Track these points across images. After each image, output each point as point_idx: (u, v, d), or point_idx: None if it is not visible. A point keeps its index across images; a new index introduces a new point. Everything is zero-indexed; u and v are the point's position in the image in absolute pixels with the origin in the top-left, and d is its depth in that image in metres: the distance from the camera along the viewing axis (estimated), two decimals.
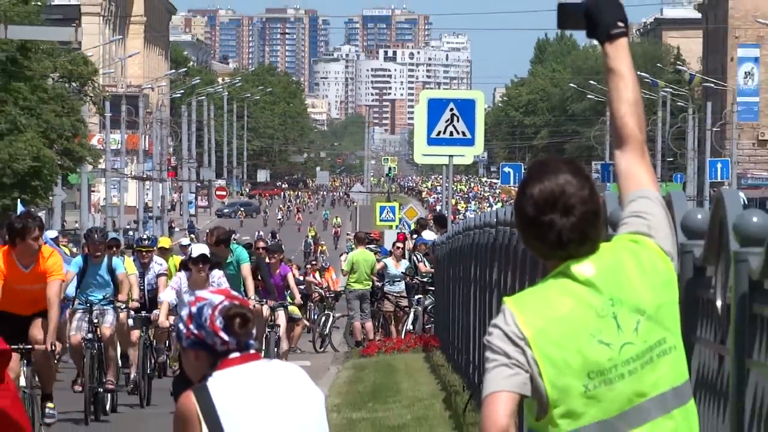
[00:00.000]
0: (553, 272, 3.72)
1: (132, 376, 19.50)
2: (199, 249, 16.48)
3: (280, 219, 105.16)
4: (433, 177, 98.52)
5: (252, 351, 4.46)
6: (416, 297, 27.11)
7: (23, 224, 13.47)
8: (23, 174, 47.79)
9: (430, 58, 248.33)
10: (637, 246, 3.72)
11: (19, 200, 37.99)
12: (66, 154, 55.88)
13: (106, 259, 17.27)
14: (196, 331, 4.27)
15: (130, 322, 18.81)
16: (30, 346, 13.13)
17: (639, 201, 3.80)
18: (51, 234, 24.20)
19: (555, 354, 3.63)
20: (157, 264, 20.28)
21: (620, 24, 3.81)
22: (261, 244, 24.31)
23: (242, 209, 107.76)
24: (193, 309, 4.24)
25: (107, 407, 16.83)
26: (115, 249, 18.83)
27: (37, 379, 13.71)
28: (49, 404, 13.59)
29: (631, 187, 3.85)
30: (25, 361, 12.96)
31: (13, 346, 10.33)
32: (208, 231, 21.24)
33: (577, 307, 3.67)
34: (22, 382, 13.03)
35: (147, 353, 19.50)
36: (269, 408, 4.44)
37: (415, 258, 28.13)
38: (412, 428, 14.99)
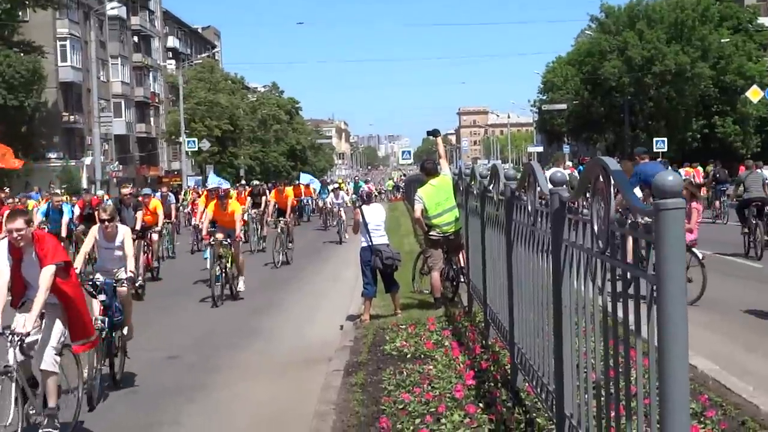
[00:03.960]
0: (428, 181, 10.91)
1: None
2: (336, 185, 32.09)
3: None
4: (402, 166, 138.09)
5: (373, 203, 11.22)
6: (402, 189, 59.00)
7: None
8: (320, 169, 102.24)
9: (401, 143, 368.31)
10: (445, 176, 10.99)
11: (301, 172, 51.54)
12: (330, 166, 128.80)
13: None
14: (362, 196, 11.45)
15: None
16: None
17: (445, 170, 11.13)
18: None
19: (428, 200, 10.69)
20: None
21: (438, 132, 11.85)
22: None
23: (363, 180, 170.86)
24: (361, 191, 12.18)
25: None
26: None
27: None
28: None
29: (444, 168, 11.20)
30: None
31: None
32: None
33: (433, 190, 10.77)
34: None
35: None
36: (375, 213, 10.87)
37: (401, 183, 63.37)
38: (402, 218, 31.03)
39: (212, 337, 11.05)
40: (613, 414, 3.65)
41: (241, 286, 14.43)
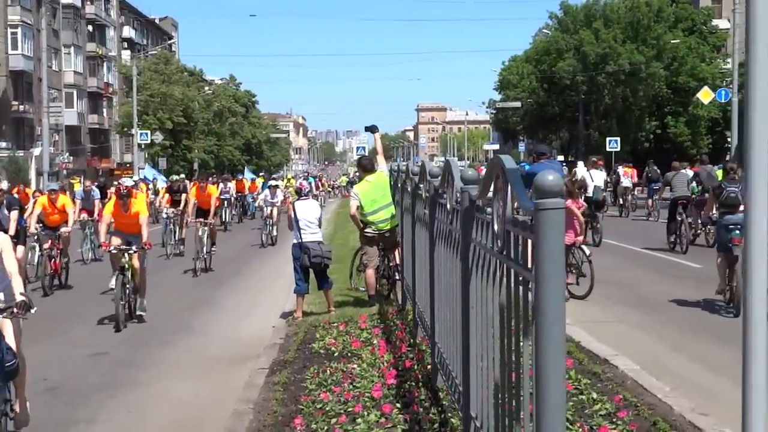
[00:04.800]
0: (363, 179, 10.86)
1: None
2: (273, 182, 26.85)
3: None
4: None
5: (308, 197, 11.07)
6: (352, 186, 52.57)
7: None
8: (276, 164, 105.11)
9: (360, 138, 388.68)
10: (381, 173, 10.86)
11: (245, 167, 55.68)
12: (287, 160, 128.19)
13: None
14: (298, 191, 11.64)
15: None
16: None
17: (381, 167, 10.94)
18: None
19: (364, 197, 10.63)
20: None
21: (376, 128, 11.26)
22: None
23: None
24: (299, 186, 11.82)
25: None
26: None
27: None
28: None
29: (380, 165, 10.99)
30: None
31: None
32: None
33: (369, 187, 10.67)
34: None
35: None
36: (307, 209, 10.69)
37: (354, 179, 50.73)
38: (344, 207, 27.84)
39: (143, 333, 10.84)
40: (507, 416, 3.60)
41: (142, 307, 11.61)
